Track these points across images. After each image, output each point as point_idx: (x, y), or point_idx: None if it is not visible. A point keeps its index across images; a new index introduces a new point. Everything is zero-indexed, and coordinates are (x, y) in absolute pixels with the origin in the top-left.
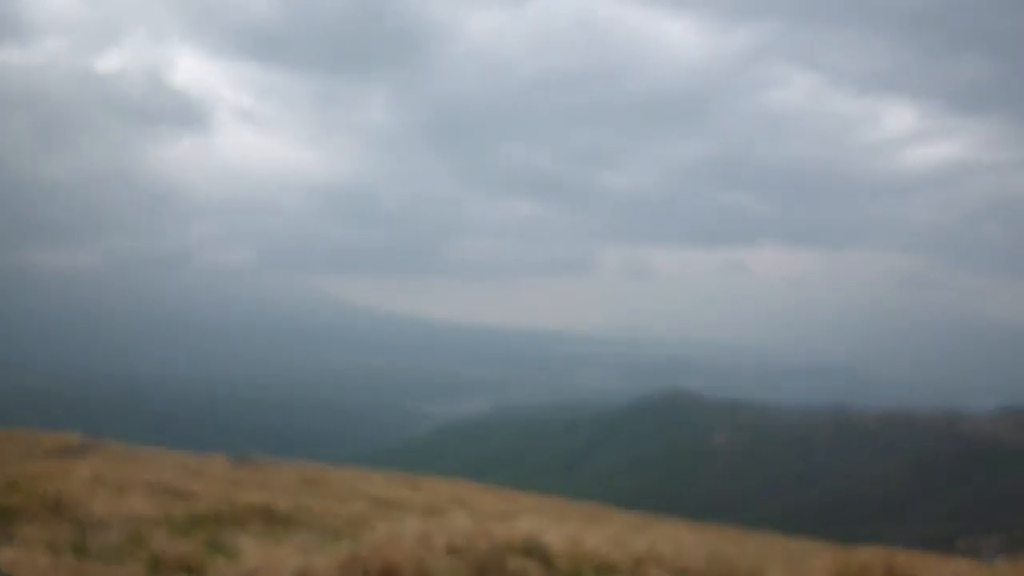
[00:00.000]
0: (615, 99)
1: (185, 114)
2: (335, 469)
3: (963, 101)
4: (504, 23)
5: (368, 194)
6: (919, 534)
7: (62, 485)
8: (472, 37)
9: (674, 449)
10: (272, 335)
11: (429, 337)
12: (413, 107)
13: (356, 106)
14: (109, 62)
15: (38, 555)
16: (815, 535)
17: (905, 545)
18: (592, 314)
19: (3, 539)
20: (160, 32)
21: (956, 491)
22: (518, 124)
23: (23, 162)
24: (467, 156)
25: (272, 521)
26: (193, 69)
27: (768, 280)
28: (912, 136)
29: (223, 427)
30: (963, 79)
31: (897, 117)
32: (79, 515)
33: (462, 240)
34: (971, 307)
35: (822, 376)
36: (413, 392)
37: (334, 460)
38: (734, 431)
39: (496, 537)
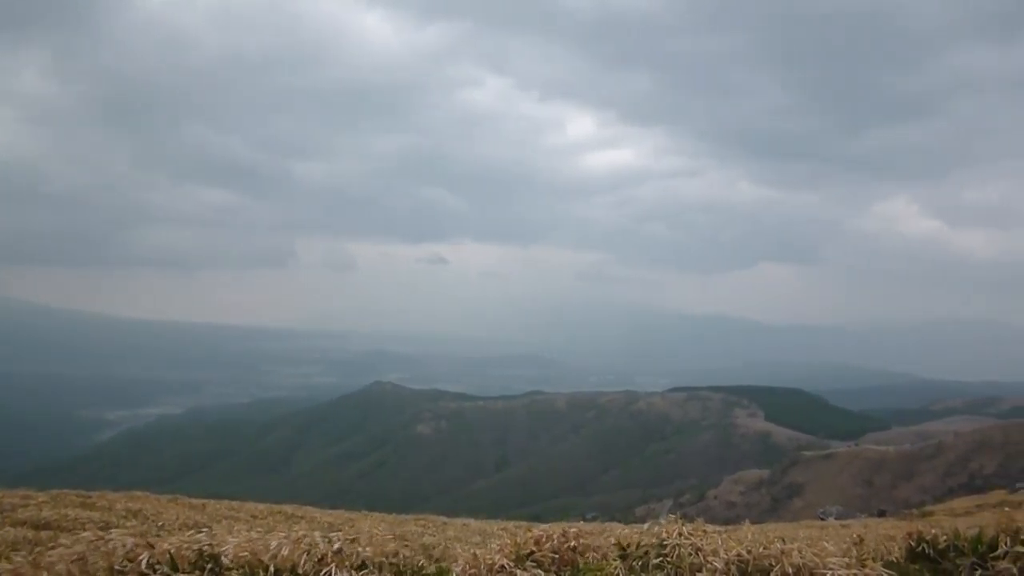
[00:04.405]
0: (310, 87)
1: None
2: None
3: (634, 113)
4: None
5: (29, 173)
6: (603, 503)
7: None
8: (147, 6)
9: (378, 441)
10: None
11: (109, 336)
12: (80, 78)
13: (5, 71)
14: None
15: None
16: (513, 514)
17: (591, 514)
18: (292, 308)
19: None
20: None
21: (634, 463)
22: (203, 106)
23: None
24: (147, 137)
25: None
26: None
27: (466, 274)
28: (591, 142)
29: None
30: (633, 93)
31: (578, 124)
32: None
33: (146, 229)
34: (643, 298)
35: (519, 364)
36: (90, 398)
37: None
38: (436, 420)
39: (164, 550)
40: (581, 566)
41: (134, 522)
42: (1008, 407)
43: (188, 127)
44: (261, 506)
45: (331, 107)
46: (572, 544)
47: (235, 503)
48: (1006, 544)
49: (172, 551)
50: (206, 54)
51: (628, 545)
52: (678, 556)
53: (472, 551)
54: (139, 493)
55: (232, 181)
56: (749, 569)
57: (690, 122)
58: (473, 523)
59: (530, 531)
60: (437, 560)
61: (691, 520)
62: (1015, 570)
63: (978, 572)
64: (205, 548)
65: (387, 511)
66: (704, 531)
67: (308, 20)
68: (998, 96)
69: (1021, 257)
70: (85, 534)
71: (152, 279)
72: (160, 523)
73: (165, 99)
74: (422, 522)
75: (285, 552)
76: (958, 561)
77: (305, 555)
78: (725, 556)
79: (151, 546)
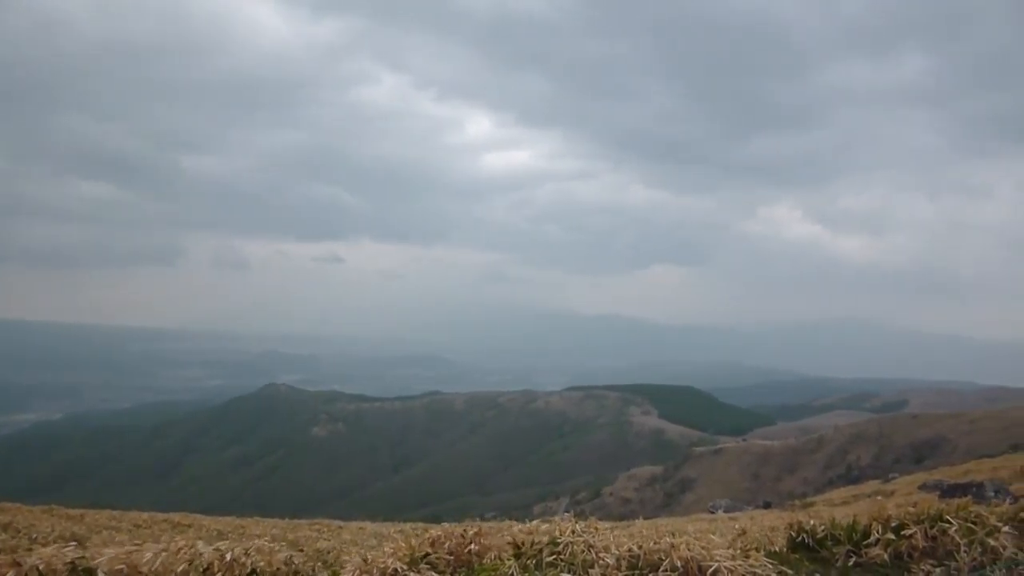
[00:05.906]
0: (199, 78)
1: None
2: None
3: (531, 115)
4: None
5: None
6: (502, 502)
7: None
8: None
9: (273, 444)
10: None
11: None
12: None
13: None
14: None
15: None
16: (412, 515)
17: (490, 514)
18: (182, 308)
19: None
20: None
21: (532, 461)
22: (82, 94)
23: None
24: (20, 124)
25: None
26: None
27: (364, 274)
28: (490, 143)
29: None
30: (530, 95)
31: (476, 124)
32: None
33: (20, 224)
34: (541, 298)
35: (417, 365)
36: None
37: None
38: (333, 422)
39: (32, 566)
40: (476, 567)
41: (3, 536)
42: (881, 403)
43: (67, 116)
44: (145, 515)
45: (222, 100)
46: (469, 546)
47: (117, 513)
48: (878, 532)
49: (41, 566)
50: (84, 38)
51: (522, 544)
52: (571, 553)
53: (363, 555)
54: (10, 504)
55: (115, 174)
56: (640, 564)
57: (586, 125)
58: (370, 526)
59: (426, 532)
60: (331, 565)
61: (586, 517)
62: (886, 556)
63: (852, 559)
64: (78, 561)
65: (282, 516)
66: (596, 528)
67: (197, 7)
68: (873, 108)
69: (892, 261)
70: None
71: (27, 276)
72: (33, 536)
73: (40, 85)
74: (317, 526)
75: (165, 563)
76: (835, 549)
77: (187, 565)
78: (616, 552)
79: (18, 563)
